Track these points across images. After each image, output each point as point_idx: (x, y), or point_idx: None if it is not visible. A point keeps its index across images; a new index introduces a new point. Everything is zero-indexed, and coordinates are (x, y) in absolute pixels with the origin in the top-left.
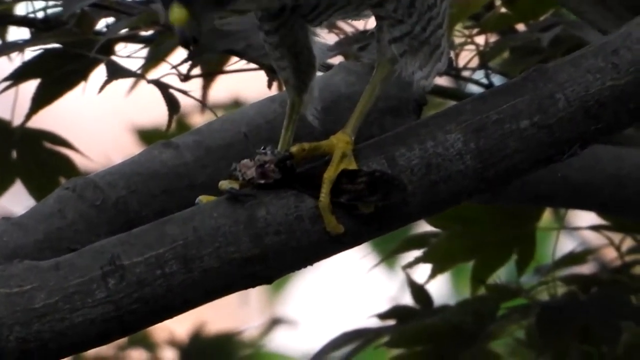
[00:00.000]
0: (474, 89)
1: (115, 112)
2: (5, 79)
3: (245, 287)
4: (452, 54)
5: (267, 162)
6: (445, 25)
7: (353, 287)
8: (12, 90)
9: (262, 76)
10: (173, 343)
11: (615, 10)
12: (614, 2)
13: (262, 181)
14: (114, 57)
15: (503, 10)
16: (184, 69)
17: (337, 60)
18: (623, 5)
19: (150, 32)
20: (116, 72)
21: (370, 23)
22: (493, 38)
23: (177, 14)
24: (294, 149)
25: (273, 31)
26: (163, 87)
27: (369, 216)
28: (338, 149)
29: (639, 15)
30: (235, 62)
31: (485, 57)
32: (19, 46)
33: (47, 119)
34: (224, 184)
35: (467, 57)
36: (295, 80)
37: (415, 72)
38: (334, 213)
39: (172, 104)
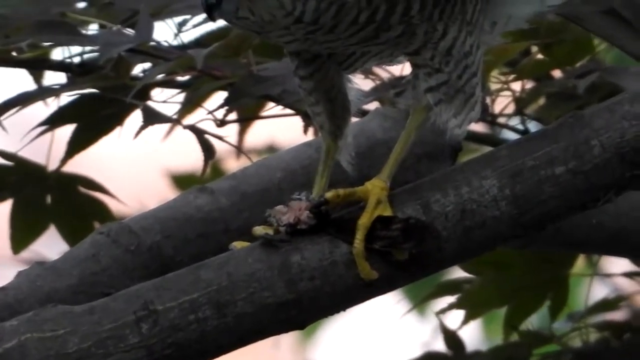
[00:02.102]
0: (509, 135)
1: (151, 157)
2: (41, 124)
3: (279, 332)
4: (488, 100)
5: (301, 208)
6: (480, 73)
7: (385, 332)
8: (47, 135)
9: (298, 121)
10: None
11: None
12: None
13: (297, 227)
14: (150, 102)
15: (539, 56)
16: (220, 114)
17: (373, 106)
18: None
19: (186, 77)
20: (152, 117)
21: (406, 69)
22: (529, 84)
23: None
24: (328, 194)
25: (308, 77)
26: (199, 133)
27: (403, 262)
28: (373, 195)
29: None
30: (271, 108)
31: (521, 103)
32: (55, 91)
33: (83, 164)
34: (259, 230)
35: (503, 103)
36: (330, 126)
37: (449, 120)
38: (367, 259)
39: (208, 149)
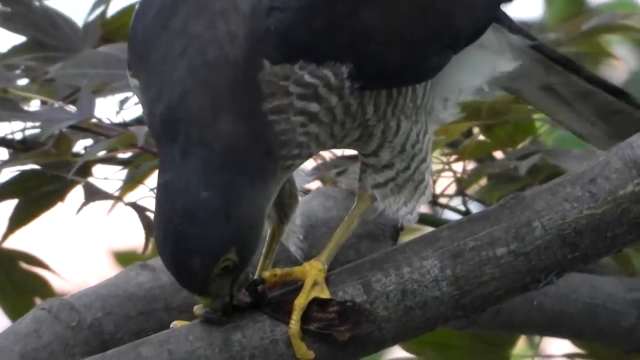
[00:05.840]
0: (451, 215)
1: (92, 234)
2: None
3: None
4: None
5: None
6: (429, 158)
7: None
8: None
9: None
10: None
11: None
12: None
13: (234, 303)
14: (91, 179)
15: (481, 137)
16: None
17: (314, 185)
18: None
19: (127, 155)
20: (93, 194)
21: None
22: (471, 165)
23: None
24: (266, 274)
25: None
26: (140, 210)
27: (342, 342)
28: (310, 277)
29: (616, 144)
30: None
31: (462, 184)
32: None
33: (24, 240)
34: (199, 308)
35: (444, 183)
36: (276, 214)
37: (400, 209)
38: (305, 339)
39: (149, 227)
